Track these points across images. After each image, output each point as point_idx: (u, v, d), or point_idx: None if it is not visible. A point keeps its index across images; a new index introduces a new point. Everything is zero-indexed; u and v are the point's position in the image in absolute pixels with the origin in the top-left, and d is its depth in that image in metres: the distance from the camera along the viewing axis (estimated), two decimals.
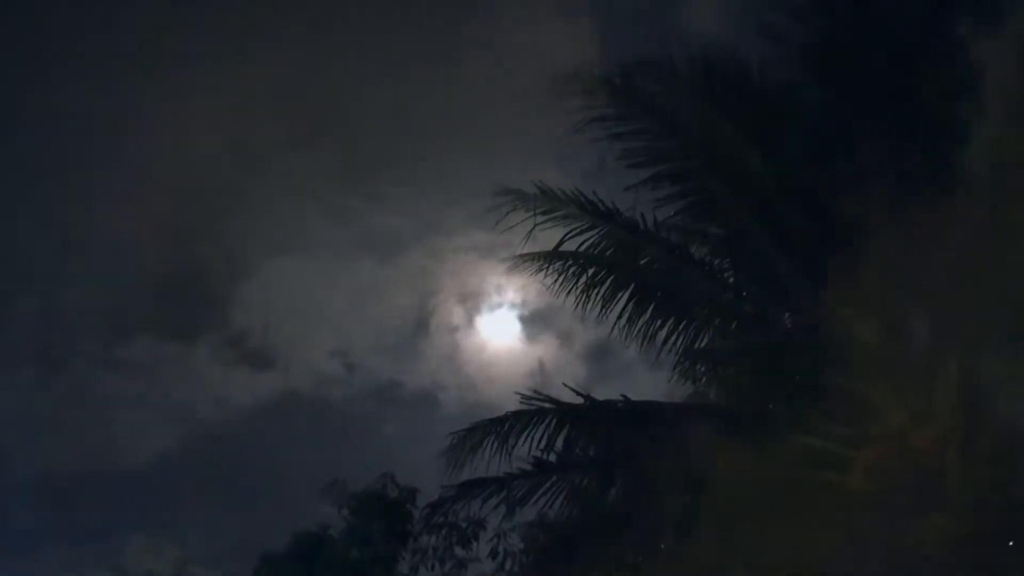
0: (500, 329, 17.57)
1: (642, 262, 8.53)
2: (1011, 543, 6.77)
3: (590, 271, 8.43)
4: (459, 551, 10.05)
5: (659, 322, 8.34)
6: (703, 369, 8.69)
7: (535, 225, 8.47)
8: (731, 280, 8.59)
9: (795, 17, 7.40)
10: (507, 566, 9.97)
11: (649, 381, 9.40)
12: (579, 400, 7.91)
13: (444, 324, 17.91)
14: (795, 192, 7.67)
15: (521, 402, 7.92)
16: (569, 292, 8.50)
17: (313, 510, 10.60)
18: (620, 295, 8.39)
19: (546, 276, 8.57)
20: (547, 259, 8.55)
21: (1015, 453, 6.78)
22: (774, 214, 7.77)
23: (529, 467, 8.13)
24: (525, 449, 7.88)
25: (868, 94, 7.24)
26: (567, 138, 8.41)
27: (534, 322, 17.50)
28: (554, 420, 7.81)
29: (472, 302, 17.68)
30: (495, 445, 7.87)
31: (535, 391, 7.98)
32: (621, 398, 7.93)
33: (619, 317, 8.41)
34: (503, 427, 7.89)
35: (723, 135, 7.91)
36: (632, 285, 8.38)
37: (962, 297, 7.05)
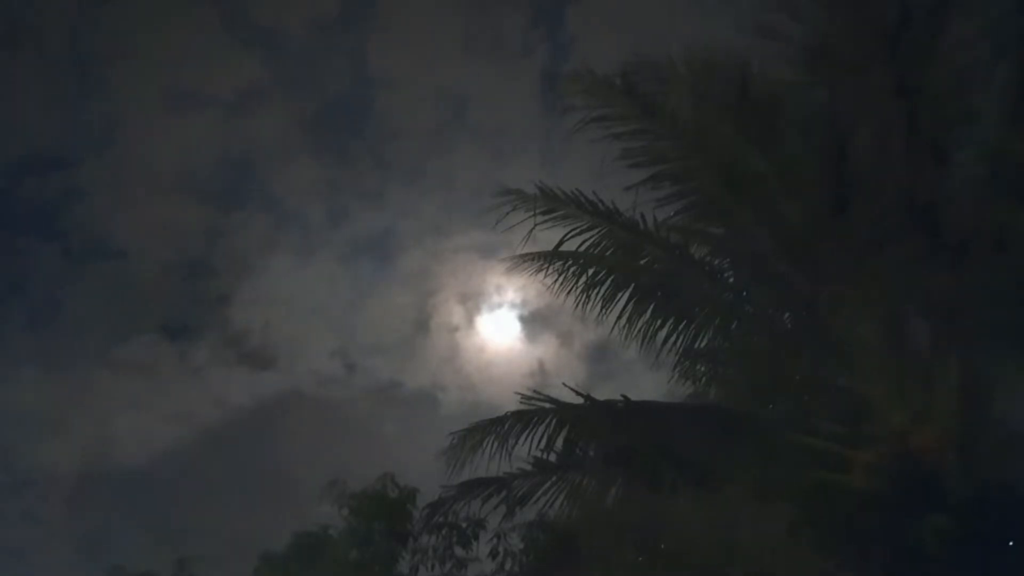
0: (500, 329, 17.58)
1: (642, 262, 8.51)
2: (1011, 543, 6.77)
3: (590, 271, 8.42)
4: (459, 551, 10.04)
5: (659, 322, 8.32)
6: (703, 369, 8.68)
7: (535, 225, 8.46)
8: (731, 280, 8.59)
9: (795, 17, 7.39)
10: (507, 566, 9.95)
11: (649, 381, 9.39)
12: (579, 400, 7.88)
13: (444, 324, 17.93)
14: (795, 192, 7.66)
15: (521, 402, 7.89)
16: (569, 292, 8.49)
17: (313, 510, 10.60)
18: (620, 295, 8.37)
19: (546, 276, 8.56)
20: (547, 259, 8.54)
21: (1015, 453, 6.79)
22: (774, 214, 7.77)
23: (529, 467, 8.12)
24: (525, 449, 7.85)
25: (868, 94, 7.24)
26: (567, 138, 8.42)
27: (534, 322, 17.51)
28: (554, 420, 7.79)
29: (472, 302, 17.70)
30: (495, 445, 7.83)
31: (535, 391, 7.94)
32: (621, 398, 7.91)
33: (619, 317, 8.39)
34: (503, 427, 7.85)
35: (723, 135, 7.91)
36: (632, 285, 8.36)
37: (962, 297, 7.06)
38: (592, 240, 8.46)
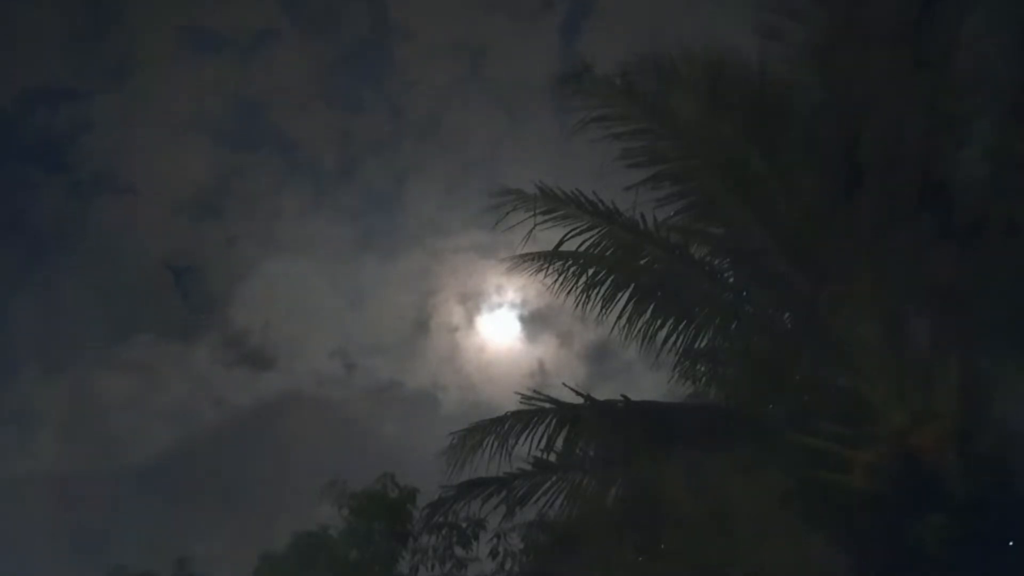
0: (500, 329, 17.62)
1: (642, 262, 8.51)
2: (1011, 543, 6.77)
3: (590, 271, 8.42)
4: (459, 551, 10.06)
5: (659, 322, 8.32)
6: (703, 369, 8.67)
7: (535, 225, 8.46)
8: (731, 280, 8.58)
9: (795, 17, 7.39)
10: (507, 566, 9.98)
11: (649, 381, 9.39)
12: (579, 400, 7.89)
13: (444, 324, 17.97)
14: (795, 192, 7.67)
15: (521, 402, 7.90)
16: (569, 292, 8.48)
17: (313, 510, 10.62)
18: (620, 295, 8.36)
19: (546, 276, 8.55)
20: (547, 259, 8.53)
21: (1015, 453, 6.79)
22: (774, 214, 7.77)
23: (529, 467, 8.11)
24: (525, 449, 7.86)
25: (867, 94, 7.23)
26: (567, 138, 8.42)
27: (534, 322, 17.56)
28: (554, 420, 7.79)
29: (472, 302, 17.74)
30: (495, 445, 7.84)
31: (535, 391, 7.95)
32: (621, 398, 7.91)
33: (619, 317, 8.38)
34: (503, 427, 7.86)
35: (723, 135, 7.91)
36: (632, 285, 8.36)
37: (962, 297, 7.06)
38: (592, 240, 8.46)
